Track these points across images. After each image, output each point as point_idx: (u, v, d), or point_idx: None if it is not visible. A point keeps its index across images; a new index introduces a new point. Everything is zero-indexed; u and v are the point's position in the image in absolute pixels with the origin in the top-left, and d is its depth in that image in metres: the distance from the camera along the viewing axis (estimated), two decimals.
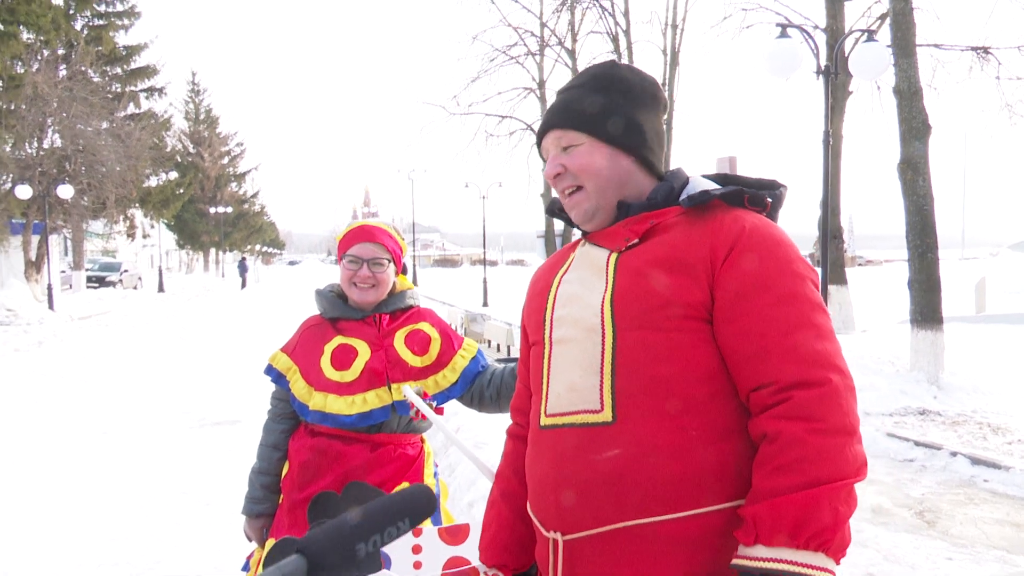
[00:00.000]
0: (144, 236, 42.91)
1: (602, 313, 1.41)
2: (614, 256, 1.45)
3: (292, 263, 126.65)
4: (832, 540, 1.23)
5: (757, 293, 1.34)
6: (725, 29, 26.43)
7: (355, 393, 2.35)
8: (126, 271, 38.19)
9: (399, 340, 2.43)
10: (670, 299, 1.36)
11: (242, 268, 46.00)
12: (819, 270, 8.96)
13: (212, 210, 54.12)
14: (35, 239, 25.64)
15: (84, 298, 27.93)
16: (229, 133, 60.07)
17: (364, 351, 2.39)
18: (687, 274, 1.37)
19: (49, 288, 22.86)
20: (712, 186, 1.48)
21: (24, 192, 22.84)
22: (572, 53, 24.41)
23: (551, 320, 1.51)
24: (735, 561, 1.27)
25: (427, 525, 2.32)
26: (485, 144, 25.18)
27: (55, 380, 11.10)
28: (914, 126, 9.49)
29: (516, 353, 9.54)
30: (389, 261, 2.46)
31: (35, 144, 24.70)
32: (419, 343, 2.45)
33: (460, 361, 2.49)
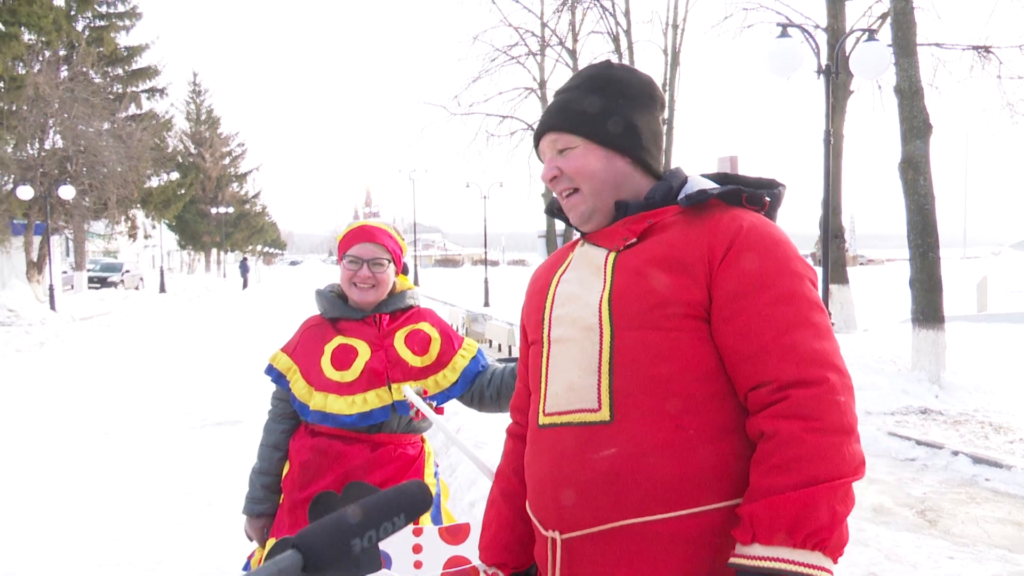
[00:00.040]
0: (145, 236, 42.97)
1: (600, 312, 1.41)
2: (612, 255, 1.45)
3: (293, 263, 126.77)
4: (829, 539, 1.23)
5: (755, 292, 1.34)
6: (726, 29, 26.39)
7: (355, 393, 2.35)
8: (128, 272, 38.23)
9: (399, 340, 2.44)
10: (668, 298, 1.36)
11: (243, 268, 46.04)
12: (820, 269, 8.96)
13: (213, 210, 54.16)
14: (37, 240, 25.69)
15: (86, 299, 27.95)
16: (230, 133, 60.19)
17: (364, 351, 2.40)
18: (685, 273, 1.37)
19: (51, 289, 22.88)
20: (711, 185, 1.48)
21: (26, 193, 22.87)
22: (573, 53, 24.41)
23: (549, 319, 1.51)
24: (732, 560, 1.27)
25: (428, 524, 2.33)
26: (486, 144, 25.18)
27: (57, 381, 11.11)
28: (915, 125, 9.49)
29: (517, 353, 9.52)
30: (389, 261, 2.47)
31: (36, 145, 24.74)
32: (419, 343, 2.45)
33: (460, 361, 2.49)
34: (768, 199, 1.46)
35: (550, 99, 1.60)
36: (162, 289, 37.41)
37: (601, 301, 1.41)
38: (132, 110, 32.28)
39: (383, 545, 2.02)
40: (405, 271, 2.62)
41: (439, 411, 2.49)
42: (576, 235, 1.60)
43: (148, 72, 32.95)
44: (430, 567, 2.12)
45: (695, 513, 1.33)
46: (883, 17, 15.30)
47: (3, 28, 22.98)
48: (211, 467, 6.41)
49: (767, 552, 1.23)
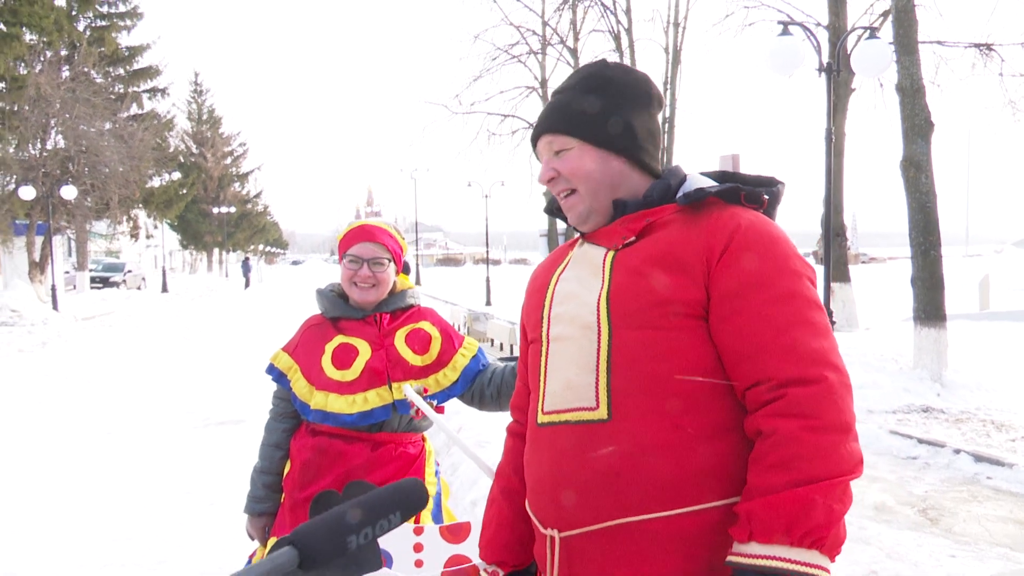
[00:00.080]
0: (147, 236, 42.98)
1: (598, 311, 1.41)
2: (611, 254, 1.45)
3: (295, 263, 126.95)
4: (826, 537, 1.23)
5: (753, 290, 1.34)
6: (727, 27, 26.48)
7: (356, 392, 2.36)
8: (130, 271, 38.27)
9: (400, 339, 2.44)
10: (666, 297, 1.36)
11: (245, 268, 46.09)
12: (822, 268, 8.95)
13: (215, 210, 54.18)
14: (39, 240, 25.74)
15: (88, 299, 27.97)
16: (232, 133, 60.13)
17: (365, 350, 2.40)
18: (683, 272, 1.37)
19: (53, 289, 22.91)
20: (709, 183, 1.48)
21: (28, 193, 22.92)
22: (574, 52, 24.41)
23: (548, 318, 1.51)
24: (729, 558, 1.27)
25: (429, 523, 2.33)
26: (487, 143, 25.23)
27: (59, 381, 11.12)
28: (917, 123, 9.48)
29: (518, 352, 9.51)
30: (389, 261, 2.47)
31: (38, 145, 24.78)
32: (420, 342, 2.46)
33: (460, 360, 2.49)
34: (767, 197, 1.46)
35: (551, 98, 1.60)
36: (164, 289, 37.44)
37: (599, 300, 1.41)
38: (134, 110, 32.27)
39: (384, 544, 2.03)
40: (406, 270, 2.62)
41: (439, 410, 2.49)
42: (577, 234, 1.61)
43: (149, 72, 32.95)
44: (431, 566, 2.13)
45: (693, 511, 1.33)
46: (885, 15, 15.28)
47: (4, 28, 23.03)
48: (213, 467, 6.42)
49: (764, 551, 1.23)
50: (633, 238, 1.44)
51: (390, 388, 2.37)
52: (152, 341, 16.43)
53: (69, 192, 23.51)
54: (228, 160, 58.93)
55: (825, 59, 9.41)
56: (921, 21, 10.09)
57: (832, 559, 1.25)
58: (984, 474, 6.09)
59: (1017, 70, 15.00)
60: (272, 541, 2.47)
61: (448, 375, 2.47)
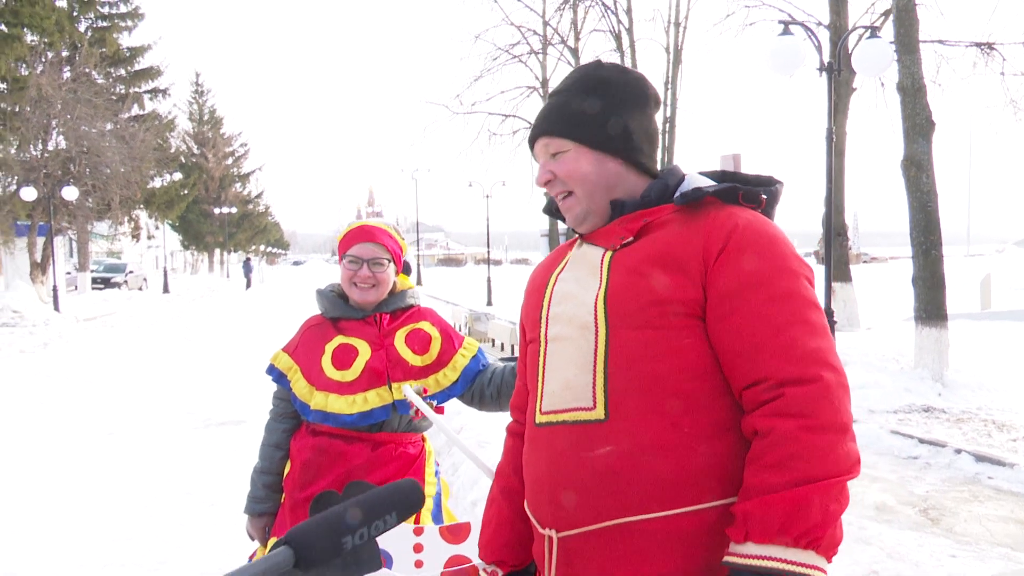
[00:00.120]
0: (149, 237, 43.08)
1: (595, 311, 1.41)
2: (608, 254, 1.45)
3: (296, 263, 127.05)
4: (822, 538, 1.23)
5: (750, 290, 1.34)
6: (728, 26, 26.37)
7: (356, 392, 2.36)
8: (131, 272, 38.29)
9: (399, 339, 2.44)
10: (663, 296, 1.36)
11: (247, 268, 46.10)
12: (823, 267, 8.95)
13: (216, 211, 54.21)
14: (40, 241, 25.76)
15: (89, 299, 27.98)
16: (233, 134, 60.13)
17: (365, 350, 2.40)
18: (680, 271, 1.36)
19: (54, 289, 22.91)
20: (707, 183, 1.48)
21: (29, 194, 22.92)
22: (575, 51, 24.42)
23: (547, 318, 1.51)
24: (726, 558, 1.27)
25: (428, 524, 2.33)
26: (488, 143, 25.26)
27: (60, 381, 11.13)
28: (918, 123, 9.47)
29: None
30: (389, 261, 2.47)
31: (40, 146, 24.80)
32: (420, 342, 2.46)
33: (460, 360, 2.50)
34: (765, 197, 1.46)
35: None
36: (165, 289, 37.45)
37: (596, 299, 1.41)
38: (135, 111, 32.31)
39: (384, 544, 2.03)
40: (406, 270, 2.62)
41: (439, 410, 2.49)
42: (576, 234, 1.61)
43: (151, 73, 32.98)
44: (431, 566, 2.12)
45: (690, 511, 1.33)
46: (886, 14, 15.27)
47: (5, 29, 23.03)
48: (214, 467, 6.43)
49: (760, 551, 1.23)
50: (631, 238, 1.44)
51: (390, 388, 2.38)
52: (153, 342, 16.44)
53: (70, 193, 23.53)
54: (229, 160, 58.95)
55: (826, 58, 9.41)
56: (922, 20, 10.10)
57: (829, 559, 1.25)
58: (985, 474, 6.09)
59: (1018, 69, 15.00)
60: (272, 541, 2.47)
61: (448, 375, 2.47)
